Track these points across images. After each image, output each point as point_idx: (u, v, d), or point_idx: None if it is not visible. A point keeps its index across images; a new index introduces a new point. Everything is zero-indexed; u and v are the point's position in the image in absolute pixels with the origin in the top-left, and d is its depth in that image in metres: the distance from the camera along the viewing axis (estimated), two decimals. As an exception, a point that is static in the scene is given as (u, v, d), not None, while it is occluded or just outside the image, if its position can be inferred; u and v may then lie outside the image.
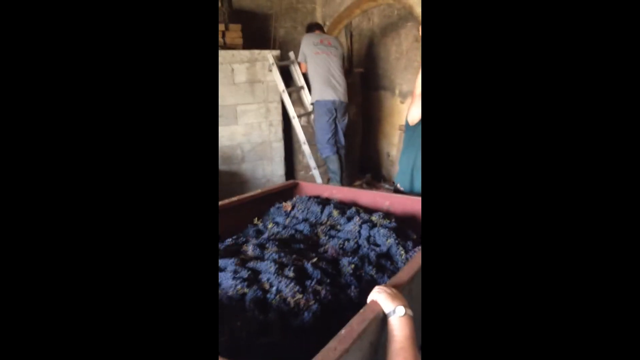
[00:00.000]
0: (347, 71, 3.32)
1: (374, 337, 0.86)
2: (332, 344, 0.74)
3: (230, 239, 1.42)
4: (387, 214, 1.65)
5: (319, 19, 4.18)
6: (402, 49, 3.66)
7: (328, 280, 1.10)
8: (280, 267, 1.09)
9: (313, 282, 1.06)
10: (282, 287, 1.01)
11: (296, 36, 3.68)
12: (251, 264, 1.11)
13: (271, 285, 1.01)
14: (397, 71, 3.75)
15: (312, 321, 0.97)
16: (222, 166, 3.10)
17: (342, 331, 0.78)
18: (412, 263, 1.10)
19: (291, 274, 1.06)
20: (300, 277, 1.07)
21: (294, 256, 1.18)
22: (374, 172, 4.07)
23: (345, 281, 1.16)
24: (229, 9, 3.27)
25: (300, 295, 1.00)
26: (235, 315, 0.94)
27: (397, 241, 1.36)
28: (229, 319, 0.93)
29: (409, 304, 0.88)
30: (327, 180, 3.20)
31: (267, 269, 1.07)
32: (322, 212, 1.65)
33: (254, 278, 1.06)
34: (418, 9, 1.99)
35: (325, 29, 3.47)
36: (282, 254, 1.16)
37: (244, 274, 1.06)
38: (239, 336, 0.89)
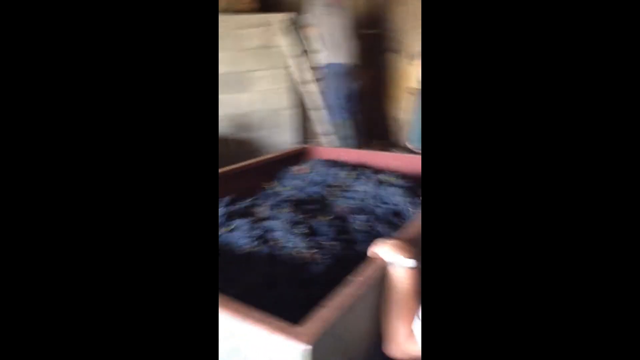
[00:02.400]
0: (359, 34, 3.25)
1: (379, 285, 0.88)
2: (339, 291, 0.77)
3: (245, 201, 1.48)
4: (397, 174, 1.70)
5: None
6: (408, 9, 3.57)
7: (337, 237, 1.15)
8: (292, 225, 1.15)
9: (322, 238, 1.12)
10: (293, 242, 1.07)
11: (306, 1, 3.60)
12: (264, 223, 1.18)
13: (282, 241, 1.08)
14: (405, 32, 3.68)
15: (321, 274, 1.03)
16: (232, 134, 3.13)
17: (351, 277, 0.83)
18: (416, 220, 1.14)
19: (301, 231, 1.12)
20: (311, 233, 1.13)
21: (308, 215, 1.24)
22: (382, 137, 4.06)
23: (354, 237, 1.21)
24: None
25: (310, 251, 1.07)
26: (246, 269, 1.00)
27: (405, 199, 1.41)
28: (240, 273, 1.00)
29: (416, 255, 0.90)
30: (341, 145, 3.22)
31: (279, 226, 1.14)
32: (333, 174, 1.70)
33: (266, 236, 1.12)
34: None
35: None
36: (294, 214, 1.22)
37: (257, 232, 1.12)
38: (250, 289, 0.94)
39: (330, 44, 2.92)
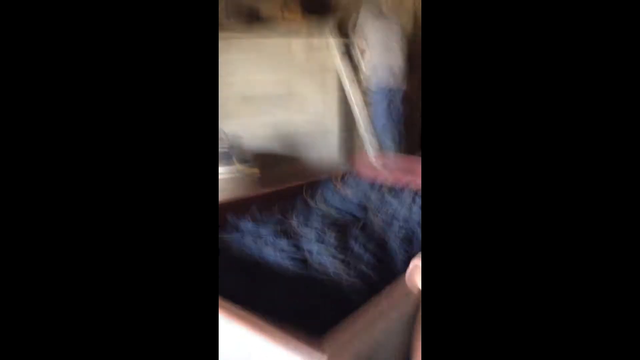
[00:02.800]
0: (410, 44, 3.14)
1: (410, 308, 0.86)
2: (366, 311, 0.75)
3: (285, 218, 1.49)
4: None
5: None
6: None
7: (375, 259, 1.13)
8: (323, 238, 1.14)
9: (355, 251, 1.09)
10: (330, 263, 1.05)
11: (356, 7, 3.54)
12: (302, 242, 1.18)
13: (311, 254, 1.07)
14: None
15: (356, 296, 1.01)
16: (276, 148, 3.16)
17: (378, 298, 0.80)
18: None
19: (339, 251, 1.10)
20: (349, 253, 1.11)
21: (344, 235, 1.23)
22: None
23: (393, 261, 1.18)
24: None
25: (342, 265, 1.05)
26: (274, 283, 1.01)
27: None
28: (269, 286, 1.00)
29: None
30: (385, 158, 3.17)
31: (309, 238, 1.13)
32: (373, 193, 1.66)
33: (296, 249, 1.12)
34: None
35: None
36: (328, 229, 1.22)
37: (285, 244, 1.12)
38: (277, 303, 0.94)
39: (377, 56, 2.86)
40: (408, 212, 1.45)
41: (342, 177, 1.92)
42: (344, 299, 0.99)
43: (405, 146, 3.21)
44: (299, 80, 3.13)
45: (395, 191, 1.69)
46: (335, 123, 3.27)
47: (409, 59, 3.03)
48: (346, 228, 1.34)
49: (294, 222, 1.33)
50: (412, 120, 3.57)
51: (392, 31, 2.89)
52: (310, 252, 1.11)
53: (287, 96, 3.15)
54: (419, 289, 0.85)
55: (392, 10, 3.08)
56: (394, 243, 1.23)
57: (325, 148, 3.30)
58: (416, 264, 0.88)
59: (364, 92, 3.15)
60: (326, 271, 1.05)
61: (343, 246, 1.13)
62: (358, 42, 3.06)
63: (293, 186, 1.75)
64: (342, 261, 1.07)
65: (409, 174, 1.85)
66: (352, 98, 3.08)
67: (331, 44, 3.02)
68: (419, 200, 1.54)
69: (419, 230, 1.35)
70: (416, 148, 3.66)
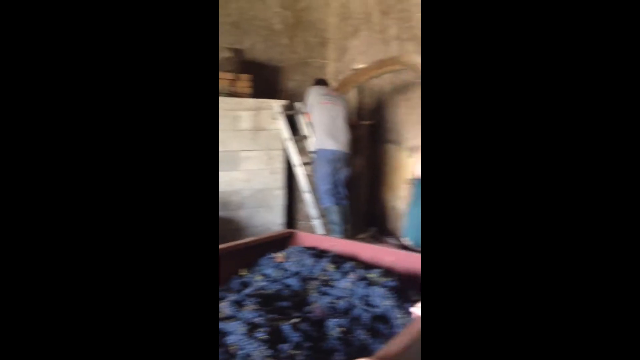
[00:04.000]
0: (355, 124, 3.31)
1: None
2: None
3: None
4: (389, 271, 1.50)
5: (331, 73, 4.26)
6: (412, 104, 3.65)
7: (308, 345, 0.94)
8: (253, 328, 0.94)
9: (290, 347, 0.91)
10: (251, 350, 0.86)
11: (305, 89, 3.73)
12: (220, 325, 0.97)
13: (239, 349, 0.87)
14: (406, 125, 3.73)
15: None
16: (220, 211, 3.00)
17: None
18: (409, 329, 0.94)
19: (263, 336, 0.91)
20: (275, 340, 0.92)
21: (272, 316, 1.03)
22: (380, 226, 3.92)
23: (330, 346, 1.00)
24: (240, 59, 3.34)
25: None
26: None
27: (396, 303, 1.21)
28: None
29: None
30: (328, 232, 3.07)
31: (236, 329, 0.93)
32: (315, 265, 1.52)
33: (220, 340, 0.92)
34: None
35: (336, 86, 3.50)
36: (260, 313, 1.02)
37: None
38: None
39: (322, 130, 2.94)
40: (351, 284, 1.30)
41: (284, 249, 1.77)
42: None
43: (352, 223, 3.14)
44: (244, 145, 3.09)
45: (338, 262, 1.55)
46: (282, 193, 3.19)
47: (354, 141, 3.12)
48: (281, 308, 1.15)
49: (226, 308, 1.11)
50: (358, 198, 3.56)
51: (334, 107, 3.00)
52: (230, 341, 0.90)
53: (233, 163, 3.06)
54: None
55: (337, 90, 3.23)
56: (333, 322, 1.06)
57: (265, 207, 3.20)
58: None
59: (310, 160, 3.15)
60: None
61: (275, 342, 0.93)
62: (306, 116, 3.14)
63: (225, 249, 1.56)
64: (269, 351, 0.87)
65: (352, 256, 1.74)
66: (298, 166, 3.05)
67: (279, 117, 3.06)
68: (363, 273, 1.40)
69: (358, 304, 1.20)
70: (361, 226, 3.61)
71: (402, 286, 1.34)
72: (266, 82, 3.82)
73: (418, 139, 3.64)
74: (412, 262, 1.63)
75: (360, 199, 3.72)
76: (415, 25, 3.45)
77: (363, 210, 3.83)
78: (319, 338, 1.02)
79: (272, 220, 3.19)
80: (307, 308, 1.19)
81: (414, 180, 2.16)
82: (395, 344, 0.86)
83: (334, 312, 1.17)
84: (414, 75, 3.54)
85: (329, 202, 2.96)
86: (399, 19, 3.57)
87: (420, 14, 3.41)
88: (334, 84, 3.83)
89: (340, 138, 2.97)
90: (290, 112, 3.22)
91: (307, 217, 3.28)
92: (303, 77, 4.12)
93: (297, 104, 3.28)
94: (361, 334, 1.06)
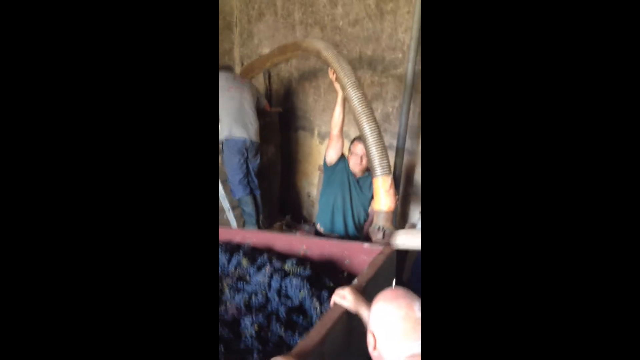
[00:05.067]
0: (264, 111, 3.22)
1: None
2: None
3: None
4: (303, 260, 1.51)
5: (236, 58, 4.11)
6: (320, 92, 3.69)
7: (222, 348, 0.91)
8: None
9: None
10: None
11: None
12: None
13: None
14: (316, 112, 3.76)
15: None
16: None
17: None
18: (324, 319, 0.95)
19: None
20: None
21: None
22: (295, 213, 3.94)
23: (245, 345, 0.97)
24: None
25: None
26: None
27: (310, 292, 1.22)
28: None
29: None
30: (243, 223, 2.99)
31: None
32: (229, 261, 1.46)
33: None
34: (325, 53, 1.98)
35: (239, 72, 3.38)
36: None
37: None
38: None
39: (230, 118, 2.80)
40: (264, 277, 1.28)
41: None
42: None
43: (266, 212, 3.10)
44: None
45: (252, 255, 1.51)
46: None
47: (264, 129, 3.05)
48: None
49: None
50: (271, 186, 3.53)
51: (241, 93, 2.88)
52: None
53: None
54: None
55: (243, 77, 3.11)
56: (247, 321, 1.03)
57: None
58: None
59: (220, 150, 3.01)
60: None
61: None
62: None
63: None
64: None
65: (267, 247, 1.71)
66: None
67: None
68: (278, 265, 1.38)
69: (274, 297, 1.19)
70: (276, 215, 3.59)
71: (317, 274, 1.35)
72: (167, 67, 3.56)
73: (328, 125, 3.70)
74: (324, 248, 1.66)
75: (274, 188, 3.69)
76: (319, 10, 3.46)
77: (277, 198, 3.81)
78: (234, 339, 0.99)
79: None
80: (221, 308, 1.14)
81: (324, 166, 2.18)
82: (311, 338, 0.86)
83: (248, 309, 1.14)
84: (321, 62, 3.57)
85: (242, 193, 2.87)
86: (303, 3, 3.55)
87: None
88: (237, 70, 3.70)
89: (249, 126, 2.87)
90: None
91: (220, 211, 3.16)
92: (208, 62, 3.92)
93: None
94: (278, 330, 1.04)
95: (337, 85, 1.89)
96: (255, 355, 0.94)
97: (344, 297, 1.00)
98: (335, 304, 1.01)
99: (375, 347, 0.77)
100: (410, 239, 1.65)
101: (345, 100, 1.89)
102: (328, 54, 1.84)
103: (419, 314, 0.75)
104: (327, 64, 1.90)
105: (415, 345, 0.72)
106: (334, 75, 1.83)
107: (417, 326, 0.74)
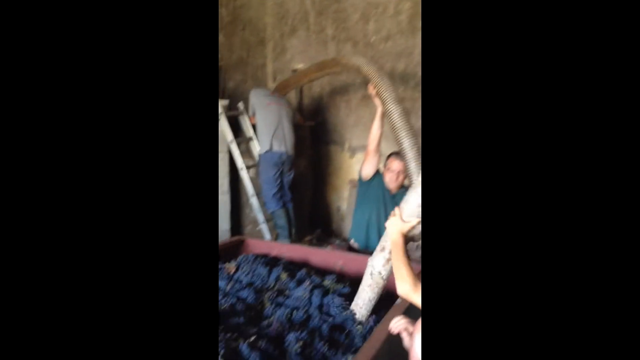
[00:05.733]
0: (298, 125, 3.27)
1: None
2: None
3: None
4: (341, 276, 1.51)
5: (269, 73, 4.20)
6: (351, 106, 3.71)
7: (264, 352, 0.91)
8: None
9: None
10: None
11: (246, 89, 3.62)
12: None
13: None
14: (347, 126, 3.78)
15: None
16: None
17: None
18: (372, 340, 0.94)
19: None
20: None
21: (228, 335, 0.99)
22: (324, 227, 3.95)
23: (285, 347, 0.98)
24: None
25: None
26: None
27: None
28: None
29: None
30: (275, 236, 3.02)
31: None
32: (269, 274, 1.48)
33: None
34: (365, 68, 2.00)
35: (275, 87, 3.45)
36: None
37: None
38: None
39: (268, 132, 2.87)
40: (304, 292, 1.28)
41: (234, 258, 1.71)
42: None
43: (297, 225, 3.12)
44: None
45: (291, 270, 1.52)
46: (227, 197, 3.07)
47: (297, 141, 3.09)
48: (236, 325, 1.10)
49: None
50: (302, 200, 3.55)
51: (279, 108, 2.94)
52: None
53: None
54: None
55: (277, 91, 3.17)
56: (291, 337, 1.04)
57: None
58: None
59: (254, 163, 3.07)
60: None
61: (232, 354, 0.89)
62: (250, 119, 3.04)
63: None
64: None
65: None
66: (243, 169, 2.96)
67: (222, 120, 2.93)
68: (318, 281, 1.39)
69: (315, 314, 1.19)
70: (306, 228, 3.60)
71: (355, 291, 1.35)
72: (204, 82, 3.67)
73: (359, 139, 3.71)
74: (361, 264, 1.65)
75: (304, 201, 3.71)
76: (351, 26, 3.50)
77: (307, 212, 3.82)
78: (278, 356, 0.99)
79: (220, 226, 3.07)
80: (264, 323, 1.15)
81: (359, 181, 2.18)
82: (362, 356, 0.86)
83: (291, 324, 1.15)
84: (353, 76, 3.60)
85: (275, 206, 2.91)
86: (335, 19, 3.60)
87: (356, 15, 3.47)
88: (271, 85, 3.77)
89: (287, 140, 2.92)
90: (232, 113, 3.11)
91: (254, 222, 3.20)
92: (243, 76, 4.03)
93: (239, 104, 3.17)
94: (321, 347, 1.04)
95: (376, 101, 1.90)
96: (294, 348, 0.94)
97: (411, 336, 0.90)
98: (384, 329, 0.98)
99: None
100: None
101: (384, 115, 1.89)
102: (369, 69, 1.86)
103: None
104: (368, 79, 1.92)
105: None
106: (374, 90, 1.85)
107: None
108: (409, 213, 1.15)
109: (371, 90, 1.92)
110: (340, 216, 3.95)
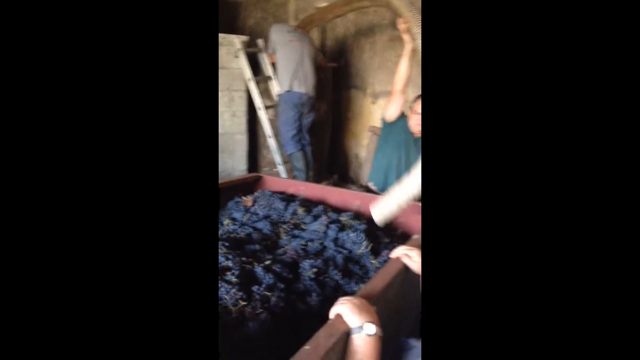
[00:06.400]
0: (320, 66, 3.15)
1: (341, 357, 0.70)
2: None
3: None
4: (357, 215, 1.50)
5: (291, 11, 4.01)
6: (376, 48, 3.55)
7: (282, 286, 0.92)
8: (222, 271, 0.90)
9: (262, 288, 0.88)
10: (221, 293, 0.82)
11: (266, 27, 3.48)
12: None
13: None
14: (371, 70, 3.65)
15: (259, 333, 0.80)
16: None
17: (307, 346, 0.62)
18: (386, 269, 0.94)
19: (234, 279, 0.88)
20: (247, 282, 0.90)
21: (243, 259, 1.00)
22: (342, 173, 3.93)
23: (304, 287, 0.99)
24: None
25: (244, 303, 0.83)
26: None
27: (367, 244, 1.21)
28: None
29: (379, 320, 0.73)
30: (293, 178, 3.03)
31: None
32: (285, 209, 1.48)
33: None
34: (396, 2, 1.86)
35: (299, 23, 3.29)
36: (230, 256, 0.98)
37: None
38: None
39: (289, 71, 2.77)
40: (321, 225, 1.28)
41: (249, 185, 1.71)
42: (256, 340, 0.78)
43: (314, 170, 3.11)
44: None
45: (307, 205, 1.52)
46: (244, 138, 3.06)
47: (319, 83, 3.00)
48: (253, 251, 1.12)
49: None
50: (321, 144, 3.51)
51: (302, 46, 2.82)
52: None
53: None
54: (344, 325, 0.70)
55: (301, 27, 3.03)
56: (306, 264, 1.04)
57: (229, 152, 3.05)
58: (341, 302, 0.75)
59: (274, 104, 3.01)
60: (227, 309, 0.81)
61: (246, 284, 0.90)
62: (270, 56, 2.94)
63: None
64: (244, 295, 0.84)
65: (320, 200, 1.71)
66: (262, 109, 2.91)
67: (241, 57, 2.84)
68: (334, 217, 1.39)
69: (331, 245, 1.20)
70: (324, 173, 3.60)
71: (371, 229, 1.34)
72: (225, 19, 3.55)
73: (382, 84, 3.58)
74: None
75: (323, 146, 3.68)
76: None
77: (325, 157, 3.80)
78: (292, 279, 1.01)
79: (234, 166, 3.07)
80: (279, 251, 1.16)
81: (382, 122, 2.11)
82: (375, 284, 0.86)
83: (306, 254, 1.16)
84: (381, 16, 3.41)
85: (293, 148, 2.88)
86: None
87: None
88: (293, 23, 3.61)
89: (309, 80, 2.83)
90: (252, 50, 3.00)
91: (271, 164, 3.20)
92: (264, 13, 3.86)
93: (259, 41, 3.06)
94: (335, 275, 1.05)
95: (406, 37, 1.79)
96: (314, 295, 0.96)
97: (411, 258, 0.98)
98: (397, 259, 1.00)
99: None
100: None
101: (414, 52, 1.79)
102: (399, 2, 1.73)
103: None
104: (397, 14, 1.80)
105: None
106: (404, 25, 1.73)
107: None
108: None
109: (401, 25, 1.80)
110: (358, 163, 3.91)
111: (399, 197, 1.24)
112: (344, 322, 0.70)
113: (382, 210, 1.28)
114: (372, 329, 0.69)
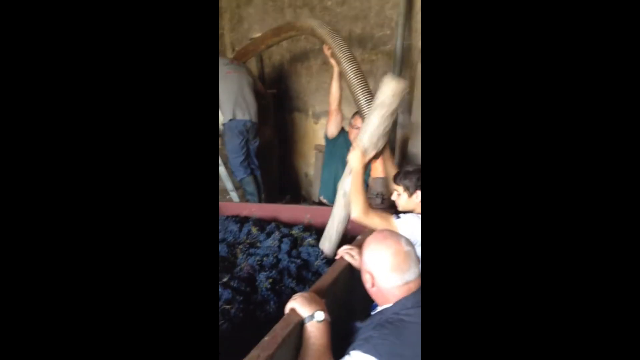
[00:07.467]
0: (260, 93, 3.28)
1: (299, 342, 0.80)
2: (255, 352, 0.67)
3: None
4: (308, 227, 1.61)
5: (227, 44, 4.14)
6: (312, 72, 3.75)
7: (240, 298, 1.01)
8: None
9: (221, 303, 0.97)
10: None
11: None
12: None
13: None
14: (309, 93, 3.83)
15: (222, 340, 0.88)
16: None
17: (266, 338, 0.72)
18: (333, 267, 1.06)
19: None
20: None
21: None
22: (294, 193, 4.04)
23: (262, 297, 1.08)
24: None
25: None
26: None
27: (317, 252, 1.33)
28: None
29: (327, 308, 0.84)
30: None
31: None
32: (240, 230, 1.57)
33: None
34: (319, 30, 2.04)
35: (234, 56, 3.42)
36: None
37: None
38: None
39: (230, 100, 2.88)
40: (274, 241, 1.38)
41: None
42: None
43: (266, 193, 3.20)
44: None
45: (260, 224, 1.62)
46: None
47: (260, 108, 3.12)
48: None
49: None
50: (270, 167, 3.61)
51: (239, 76, 2.95)
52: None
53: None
54: (298, 317, 0.81)
55: (237, 59, 3.17)
56: (261, 276, 1.14)
57: None
58: (293, 298, 0.86)
59: (220, 133, 3.08)
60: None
61: None
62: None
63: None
64: None
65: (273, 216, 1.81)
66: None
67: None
68: (286, 231, 1.49)
69: (285, 257, 1.30)
70: (276, 194, 3.69)
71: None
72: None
73: (322, 105, 3.77)
74: (326, 215, 1.76)
75: (273, 169, 3.78)
76: (307, -9, 3.50)
77: (276, 179, 3.90)
78: (250, 292, 1.10)
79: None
80: (236, 269, 1.25)
81: (325, 140, 2.27)
82: (324, 280, 0.97)
83: (262, 267, 1.25)
84: (312, 42, 3.62)
85: (243, 174, 2.96)
86: (291, -14, 3.58)
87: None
88: (229, 56, 3.73)
89: (250, 107, 2.94)
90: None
91: (223, 192, 3.25)
92: (200, 48, 3.94)
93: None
94: (290, 283, 1.15)
95: (332, 61, 1.96)
96: (272, 303, 1.05)
97: (352, 257, 1.12)
98: (341, 258, 1.12)
99: (373, 285, 0.88)
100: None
101: (341, 75, 1.96)
102: (322, 31, 1.91)
103: (406, 248, 0.87)
104: (322, 41, 1.97)
105: (407, 275, 0.84)
106: (329, 51, 1.90)
107: (407, 258, 0.85)
108: (365, 142, 1.26)
109: (326, 51, 1.98)
110: (308, 181, 4.05)
111: (334, 226, 1.38)
112: (297, 314, 0.81)
113: (326, 243, 1.40)
114: (321, 315, 0.80)
